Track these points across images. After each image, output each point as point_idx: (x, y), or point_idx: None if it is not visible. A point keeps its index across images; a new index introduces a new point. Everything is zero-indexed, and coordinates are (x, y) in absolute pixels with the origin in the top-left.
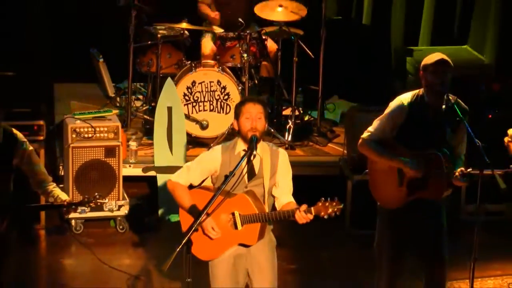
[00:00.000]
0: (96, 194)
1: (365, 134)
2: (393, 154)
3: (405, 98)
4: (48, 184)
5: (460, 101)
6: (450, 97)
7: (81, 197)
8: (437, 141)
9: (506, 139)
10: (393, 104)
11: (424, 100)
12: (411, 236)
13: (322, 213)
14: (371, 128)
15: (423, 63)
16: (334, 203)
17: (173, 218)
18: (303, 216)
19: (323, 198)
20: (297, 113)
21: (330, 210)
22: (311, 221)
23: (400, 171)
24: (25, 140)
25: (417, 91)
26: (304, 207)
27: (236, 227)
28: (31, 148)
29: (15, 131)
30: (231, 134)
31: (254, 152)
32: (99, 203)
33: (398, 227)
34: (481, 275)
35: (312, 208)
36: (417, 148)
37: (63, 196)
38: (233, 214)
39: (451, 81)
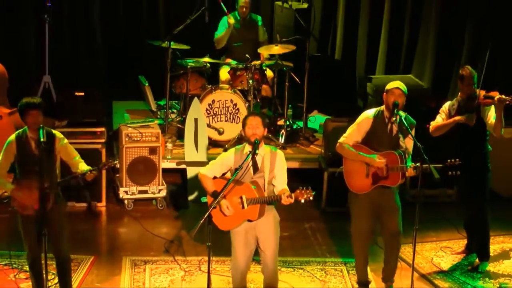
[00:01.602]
0: (106, 160)
1: (341, 139)
2: (361, 153)
3: (370, 112)
4: (78, 162)
5: (409, 116)
6: (401, 113)
7: (132, 183)
8: (392, 145)
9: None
10: (361, 117)
11: (384, 114)
12: (375, 213)
13: (299, 198)
14: (345, 134)
15: (386, 87)
16: (308, 191)
17: (203, 199)
18: (286, 200)
19: (300, 187)
20: (288, 123)
21: (305, 196)
22: (295, 203)
23: (368, 166)
24: (62, 137)
25: (380, 107)
26: (287, 193)
27: (243, 207)
28: (66, 141)
29: (54, 131)
30: (240, 139)
31: (257, 151)
32: (107, 166)
33: (364, 206)
34: (421, 240)
35: (292, 194)
36: (378, 150)
37: (84, 167)
38: (241, 197)
39: (404, 102)
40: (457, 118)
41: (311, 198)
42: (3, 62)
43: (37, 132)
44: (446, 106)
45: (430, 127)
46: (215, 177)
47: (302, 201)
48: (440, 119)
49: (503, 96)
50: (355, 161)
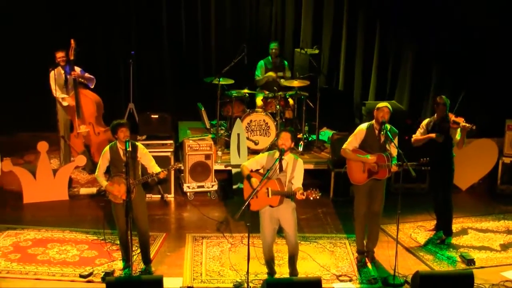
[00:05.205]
0: (173, 164)
1: (344, 146)
2: (358, 156)
3: (364, 125)
4: (154, 166)
5: (393, 127)
6: (387, 125)
7: (193, 180)
8: (381, 149)
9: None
10: (357, 129)
11: (374, 126)
12: (368, 198)
13: (309, 196)
14: (347, 142)
15: (376, 106)
16: (316, 192)
17: (241, 185)
18: (300, 196)
19: (311, 188)
20: (305, 136)
21: (314, 195)
22: (306, 199)
23: (363, 164)
24: (143, 147)
25: (371, 121)
26: (301, 191)
27: (268, 196)
28: (146, 150)
29: (137, 143)
30: (270, 148)
31: (282, 157)
32: (174, 168)
33: (363, 194)
34: (402, 221)
35: (304, 192)
36: (370, 152)
37: (158, 169)
38: (267, 189)
39: (389, 118)
40: (431, 135)
41: (317, 197)
42: (100, 94)
43: (125, 144)
44: (424, 122)
45: (412, 139)
46: (251, 170)
47: (311, 198)
48: (418, 133)
49: (466, 124)
50: (354, 161)
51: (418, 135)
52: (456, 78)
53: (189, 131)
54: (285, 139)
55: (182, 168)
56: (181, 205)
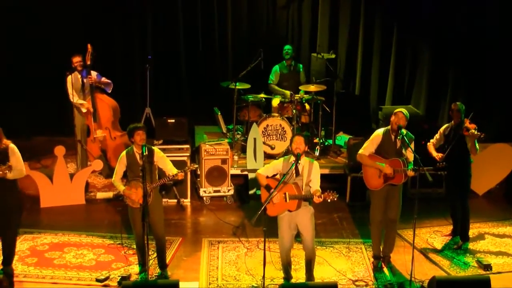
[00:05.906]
0: (189, 165)
1: (360, 151)
2: (374, 162)
3: (380, 130)
4: (171, 168)
5: (409, 132)
6: (403, 131)
7: (209, 185)
8: (397, 154)
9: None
10: (374, 134)
11: (390, 132)
12: (384, 204)
13: (327, 198)
14: (363, 147)
15: (393, 111)
16: (333, 194)
17: (258, 192)
18: (317, 199)
19: (328, 190)
20: (321, 141)
21: (331, 197)
22: (324, 201)
23: (380, 170)
24: (160, 151)
25: (387, 127)
26: (318, 193)
27: (286, 200)
28: (162, 154)
29: (154, 147)
30: (286, 153)
31: (299, 161)
32: (191, 169)
33: (379, 199)
34: (419, 226)
35: (322, 194)
36: (387, 157)
37: (175, 171)
38: (285, 193)
39: (406, 123)
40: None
41: (335, 199)
42: (117, 99)
43: (141, 148)
44: (442, 128)
45: (427, 145)
46: (267, 176)
47: (329, 200)
48: (435, 139)
49: (475, 132)
50: (370, 167)
51: (434, 141)
52: (472, 82)
53: (206, 135)
54: (299, 143)
55: (198, 169)
56: (197, 210)
